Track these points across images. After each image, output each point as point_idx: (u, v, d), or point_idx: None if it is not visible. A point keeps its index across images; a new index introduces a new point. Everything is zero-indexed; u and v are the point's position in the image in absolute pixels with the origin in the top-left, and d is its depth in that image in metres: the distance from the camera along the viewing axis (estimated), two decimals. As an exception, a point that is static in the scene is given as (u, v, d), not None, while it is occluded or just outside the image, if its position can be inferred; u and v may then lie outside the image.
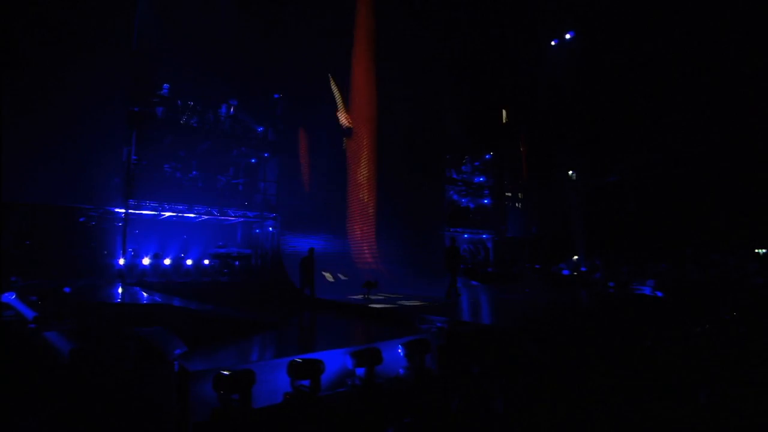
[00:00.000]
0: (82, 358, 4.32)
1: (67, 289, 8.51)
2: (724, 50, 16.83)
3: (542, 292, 13.44)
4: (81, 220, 11.25)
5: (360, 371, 4.49)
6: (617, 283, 13.96)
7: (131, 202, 11.11)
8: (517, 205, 23.00)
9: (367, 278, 10.87)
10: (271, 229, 13.93)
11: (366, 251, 15.08)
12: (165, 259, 12.03)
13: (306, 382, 3.99)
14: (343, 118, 15.37)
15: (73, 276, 9.76)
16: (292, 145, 14.06)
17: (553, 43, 21.29)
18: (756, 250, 16.63)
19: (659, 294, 11.71)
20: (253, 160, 15.02)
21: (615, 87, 19.66)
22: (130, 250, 11.42)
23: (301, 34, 14.00)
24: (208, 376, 3.80)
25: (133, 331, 4.94)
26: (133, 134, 11.47)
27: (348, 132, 15.47)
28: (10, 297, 7.60)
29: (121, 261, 10.99)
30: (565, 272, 17.47)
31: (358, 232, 15.16)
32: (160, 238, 12.85)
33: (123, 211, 11.10)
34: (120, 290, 9.96)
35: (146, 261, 11.65)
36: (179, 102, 12.49)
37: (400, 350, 4.98)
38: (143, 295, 9.47)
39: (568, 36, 20.81)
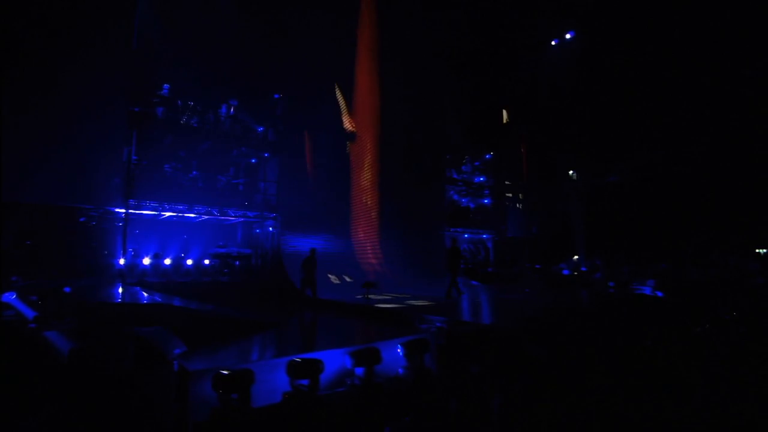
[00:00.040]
0: (82, 357, 4.33)
1: (67, 289, 8.52)
2: (724, 50, 16.82)
3: (542, 292, 13.44)
4: (81, 220, 11.27)
5: (359, 371, 4.49)
6: (617, 283, 13.95)
7: (131, 202, 11.12)
8: (517, 205, 23.02)
9: (371, 279, 10.92)
10: (271, 229, 13.94)
11: (370, 253, 15.17)
12: (165, 259, 12.04)
13: (305, 382, 4.00)
14: (347, 123, 15.47)
15: (74, 276, 9.78)
16: (292, 146, 14.07)
17: (553, 43, 21.28)
18: (756, 250, 16.63)
19: (659, 294, 11.70)
20: (253, 160, 15.04)
21: (615, 87, 19.65)
22: (130, 250, 11.44)
23: (302, 34, 14.01)
24: (208, 376, 3.80)
25: (132, 330, 4.94)
26: (133, 134, 11.48)
27: (352, 137, 15.56)
28: (11, 297, 7.62)
29: (122, 261, 11.01)
30: (566, 272, 17.48)
31: (362, 235, 15.26)
32: (160, 238, 12.86)
33: (123, 211, 11.11)
34: (120, 290, 9.98)
35: (146, 261, 11.67)
36: (179, 102, 12.50)
37: (399, 350, 4.98)
38: (143, 295, 9.48)
39: (568, 36, 20.81)
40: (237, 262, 13.27)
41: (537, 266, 18.94)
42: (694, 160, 17.98)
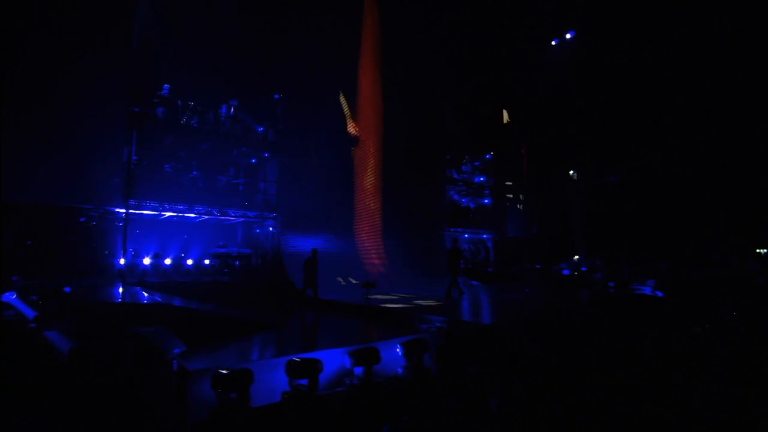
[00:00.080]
0: (81, 357, 4.34)
1: (67, 289, 8.53)
2: (724, 50, 16.81)
3: (542, 292, 13.44)
4: (82, 220, 11.28)
5: (358, 370, 4.50)
6: (617, 283, 13.94)
7: (132, 202, 11.13)
8: (518, 205, 23.02)
9: (371, 279, 10.94)
10: (271, 229, 13.94)
11: (374, 255, 15.26)
12: (165, 259, 12.05)
13: (304, 382, 4.00)
14: (351, 128, 15.56)
15: (74, 276, 9.78)
16: (292, 146, 14.08)
17: (553, 42, 21.27)
18: (757, 250, 16.61)
19: (659, 294, 11.70)
20: (253, 160, 15.04)
21: (616, 87, 19.64)
22: (130, 250, 11.45)
23: (302, 34, 14.01)
24: (207, 376, 3.81)
25: (132, 330, 4.95)
26: (133, 134, 11.48)
27: (355, 141, 15.65)
28: (11, 296, 7.63)
29: (122, 261, 11.02)
30: (566, 272, 17.48)
31: (366, 238, 15.36)
32: (160, 238, 12.87)
33: (123, 211, 11.12)
34: (120, 290, 9.99)
35: (147, 261, 11.68)
36: (180, 102, 12.50)
37: (398, 350, 4.98)
38: (144, 294, 9.49)
39: (568, 36, 20.80)
40: (237, 262, 13.28)
41: (537, 266, 18.94)
42: (694, 160, 17.97)
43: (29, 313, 6.59)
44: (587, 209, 20.49)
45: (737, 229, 16.42)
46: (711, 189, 17.45)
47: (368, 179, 15.75)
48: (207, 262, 12.73)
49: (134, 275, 11.24)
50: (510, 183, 22.52)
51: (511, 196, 22.83)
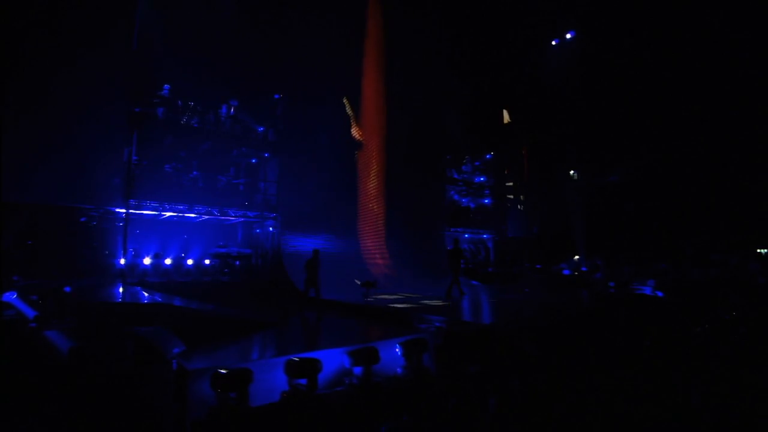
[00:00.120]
0: (81, 356, 4.35)
1: (67, 289, 8.55)
2: (725, 49, 16.80)
3: (542, 292, 13.44)
4: (82, 220, 11.29)
5: (357, 370, 4.50)
6: (618, 283, 13.93)
7: (132, 202, 11.13)
8: (518, 205, 23.02)
9: (376, 280, 10.93)
10: (271, 229, 13.95)
11: (378, 256, 15.32)
12: (166, 258, 12.06)
13: (303, 381, 4.01)
14: (355, 133, 15.62)
15: (74, 276, 9.79)
16: (292, 145, 14.08)
17: (553, 42, 21.27)
18: (758, 250, 16.59)
19: (659, 294, 11.69)
20: (253, 160, 15.05)
21: (616, 86, 19.62)
22: (130, 249, 11.45)
23: (302, 33, 14.02)
24: (206, 375, 3.81)
25: (132, 330, 4.96)
26: (133, 134, 11.48)
27: (359, 146, 15.69)
28: (12, 296, 7.65)
29: (122, 261, 11.03)
30: (566, 272, 17.47)
31: (369, 241, 15.42)
32: (160, 238, 12.87)
33: (124, 211, 11.12)
34: (121, 290, 10.00)
35: (147, 261, 11.69)
36: (180, 102, 12.50)
37: (397, 350, 4.99)
38: (144, 294, 9.51)
39: (568, 36, 20.79)
40: (237, 262, 13.29)
41: (537, 266, 18.93)
42: (694, 160, 17.95)
43: (29, 312, 6.61)
44: (587, 209, 20.47)
45: (737, 229, 16.40)
46: (711, 189, 17.43)
47: (372, 183, 15.85)
48: (207, 262, 12.74)
49: (134, 275, 11.24)
50: (510, 183, 22.52)
51: (511, 196, 22.84)
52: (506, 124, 23.00)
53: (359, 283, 10.56)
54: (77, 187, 10.20)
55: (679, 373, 5.99)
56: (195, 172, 12.78)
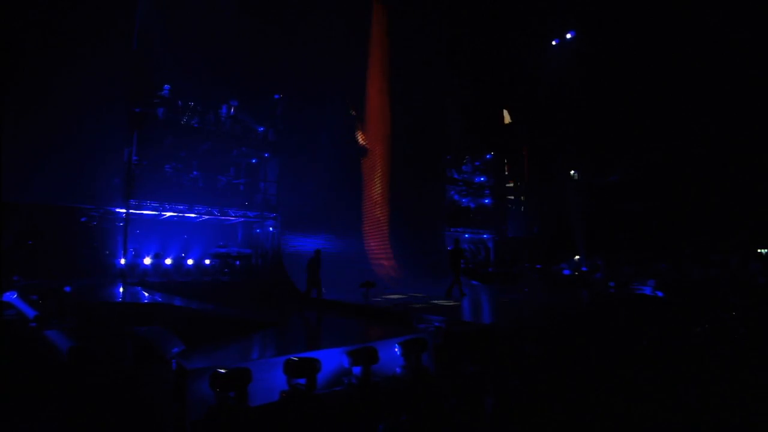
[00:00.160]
0: (81, 356, 4.35)
1: (67, 289, 8.56)
2: (725, 49, 16.78)
3: (542, 292, 13.44)
4: (82, 220, 11.32)
5: (356, 370, 4.51)
6: (618, 283, 13.93)
7: (132, 202, 11.15)
8: (519, 206, 23.02)
9: (375, 281, 10.95)
10: (271, 229, 13.96)
11: (383, 259, 15.38)
12: (166, 258, 12.08)
13: (302, 381, 4.01)
14: (359, 138, 15.67)
15: (75, 276, 9.81)
16: (292, 145, 14.09)
17: (554, 42, 21.26)
18: (758, 250, 16.58)
19: (659, 294, 11.69)
20: (253, 161, 15.06)
21: (616, 86, 19.62)
22: (131, 249, 11.47)
23: (302, 33, 14.02)
24: (206, 375, 3.82)
25: (131, 329, 4.97)
26: (134, 135, 11.50)
27: (364, 152, 15.75)
28: (12, 296, 7.65)
29: (123, 261, 11.04)
30: (566, 272, 17.46)
31: (374, 243, 15.49)
32: (161, 238, 12.89)
33: (124, 211, 11.15)
34: (121, 290, 10.02)
35: (147, 261, 11.71)
36: (180, 102, 12.52)
37: (397, 349, 4.99)
38: (144, 294, 9.52)
39: (569, 36, 20.79)
40: (237, 262, 13.30)
41: (538, 266, 18.93)
42: (694, 159, 17.94)
43: (30, 312, 6.62)
44: (587, 209, 20.46)
45: (737, 229, 16.39)
46: (711, 189, 17.42)
47: (376, 188, 15.94)
48: (207, 262, 12.76)
49: (135, 275, 11.26)
50: (510, 183, 22.52)
51: (512, 196, 22.84)
52: (506, 124, 23.01)
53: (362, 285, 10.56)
54: (77, 187, 10.21)
55: (679, 373, 5.99)
56: (195, 172, 12.80)
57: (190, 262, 12.40)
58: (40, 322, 5.99)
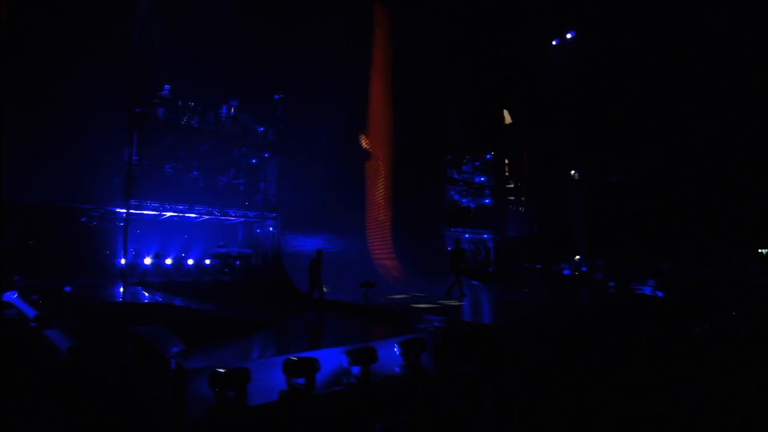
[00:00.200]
0: (81, 356, 4.36)
1: (68, 288, 8.58)
2: (726, 49, 16.77)
3: (542, 292, 13.44)
4: (83, 220, 11.33)
5: (356, 370, 4.51)
6: (618, 283, 13.92)
7: (132, 202, 11.16)
8: (519, 207, 23.01)
9: (391, 283, 10.95)
10: (271, 229, 13.97)
11: (386, 259, 15.41)
12: (166, 258, 12.10)
13: (301, 381, 4.02)
14: (363, 142, 15.72)
15: (75, 275, 9.83)
16: (292, 145, 14.10)
17: (554, 42, 21.26)
18: (758, 250, 16.57)
19: (660, 294, 11.68)
20: (253, 161, 15.06)
21: (617, 86, 19.61)
22: (131, 249, 11.48)
23: (302, 34, 14.02)
24: (205, 374, 3.82)
25: (131, 329, 4.98)
26: (134, 135, 11.52)
27: (367, 156, 15.79)
28: (12, 296, 7.67)
29: (123, 261, 11.05)
30: (567, 272, 17.46)
31: (377, 243, 15.52)
32: (161, 238, 12.91)
33: (124, 211, 11.15)
34: (121, 290, 10.03)
35: (148, 261, 11.72)
36: (180, 103, 12.54)
37: (396, 349, 4.99)
38: (144, 294, 9.53)
39: (569, 35, 20.78)
40: (237, 262, 13.32)
41: (538, 266, 18.93)
42: (694, 159, 17.93)
43: (30, 312, 6.63)
44: (588, 209, 20.45)
45: (737, 229, 16.38)
46: (711, 189, 17.41)
47: (379, 191, 16.03)
48: (207, 261, 12.77)
49: (135, 275, 11.28)
50: (511, 183, 22.51)
51: (512, 197, 22.83)
52: (506, 124, 23.00)
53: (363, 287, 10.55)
54: (77, 187, 10.21)
55: (679, 373, 5.98)
56: (195, 172, 12.81)
57: (190, 262, 12.41)
58: (40, 322, 6.00)
